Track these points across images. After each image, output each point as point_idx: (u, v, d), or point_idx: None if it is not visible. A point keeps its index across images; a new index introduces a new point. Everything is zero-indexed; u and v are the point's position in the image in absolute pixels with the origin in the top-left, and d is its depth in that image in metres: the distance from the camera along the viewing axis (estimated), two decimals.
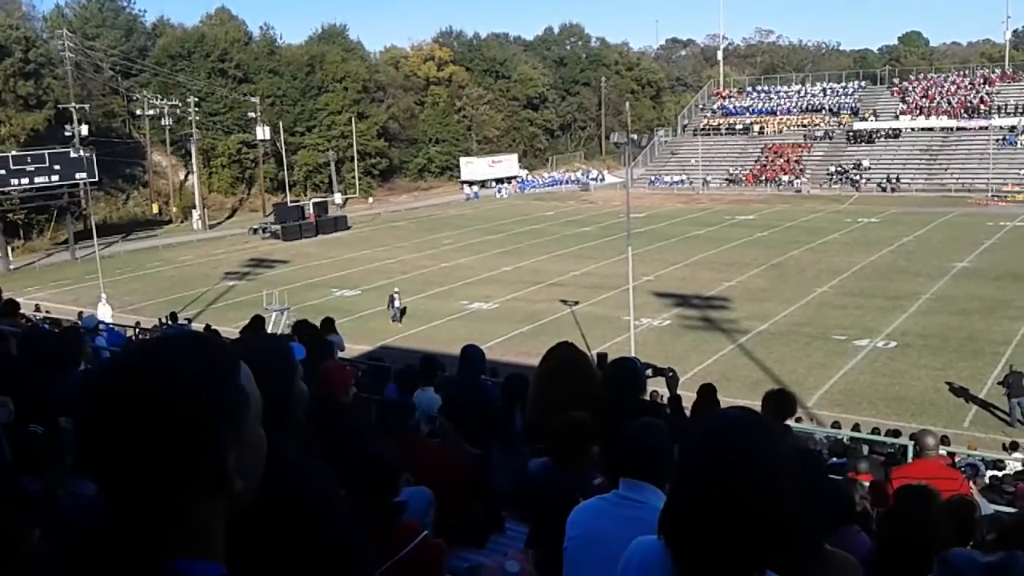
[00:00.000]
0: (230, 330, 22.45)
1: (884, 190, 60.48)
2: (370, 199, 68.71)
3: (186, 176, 63.66)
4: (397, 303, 28.23)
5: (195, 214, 58.16)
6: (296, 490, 1.89)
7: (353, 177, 68.48)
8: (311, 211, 53.50)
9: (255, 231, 52.53)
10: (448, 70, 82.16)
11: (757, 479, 1.57)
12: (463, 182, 75.38)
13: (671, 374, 6.24)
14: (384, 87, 76.70)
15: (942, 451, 8.04)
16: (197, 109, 60.02)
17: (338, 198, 64.68)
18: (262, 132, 61.75)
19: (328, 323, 13.51)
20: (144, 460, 1.10)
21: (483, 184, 74.56)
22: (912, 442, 13.06)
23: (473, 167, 76.29)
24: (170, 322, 22.95)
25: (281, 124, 63.75)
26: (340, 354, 13.09)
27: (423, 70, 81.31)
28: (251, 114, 62.46)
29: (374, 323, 27.84)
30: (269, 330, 19.64)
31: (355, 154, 67.82)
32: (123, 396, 1.12)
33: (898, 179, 61.68)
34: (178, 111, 59.18)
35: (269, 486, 1.84)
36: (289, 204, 56.42)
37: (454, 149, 79.89)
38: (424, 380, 7.56)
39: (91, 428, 1.13)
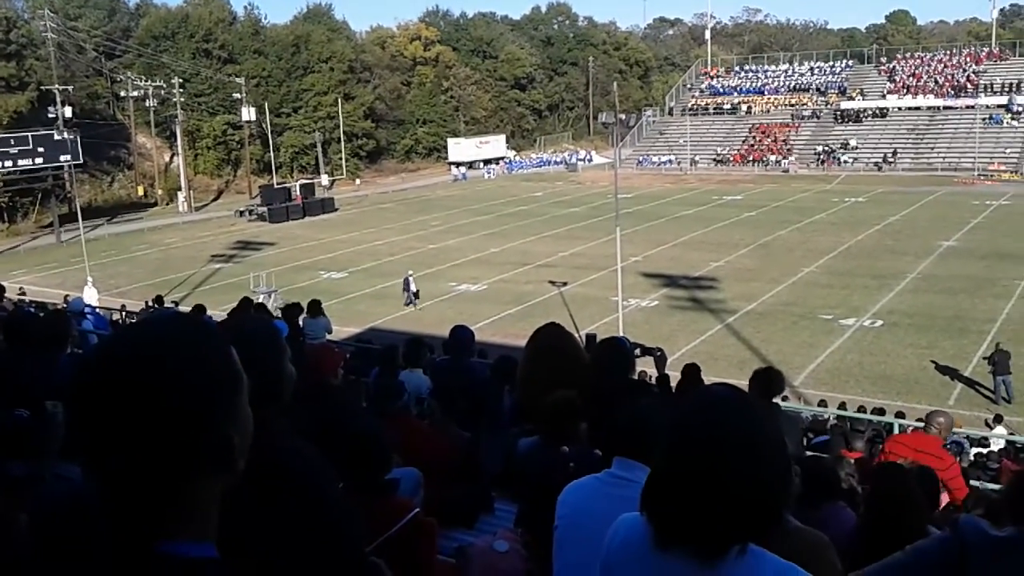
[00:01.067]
0: (218, 313, 22.43)
1: (880, 168, 60.60)
2: (357, 181, 68.44)
3: (171, 158, 63.20)
4: (412, 287, 27.78)
5: (181, 196, 57.77)
6: (284, 470, 1.88)
7: (340, 158, 68.20)
8: (298, 193, 53.25)
9: (241, 213, 52.27)
10: (435, 50, 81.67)
11: (740, 455, 1.59)
12: (451, 163, 75.15)
13: (659, 354, 6.25)
14: (370, 67, 76.21)
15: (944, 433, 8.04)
16: (182, 90, 59.55)
17: (325, 180, 64.35)
18: (247, 113, 61.29)
19: (315, 305, 13.49)
20: (146, 444, 1.09)
21: (471, 165, 74.36)
22: (901, 420, 13.23)
23: (461, 148, 76.03)
24: (156, 305, 22.84)
25: (267, 105, 63.30)
26: (328, 336, 13.09)
27: (410, 50, 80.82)
28: (236, 95, 61.96)
29: (362, 305, 27.81)
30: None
31: (342, 135, 67.51)
32: (122, 381, 1.10)
33: (895, 153, 61.82)
34: (163, 92, 58.67)
35: (259, 466, 1.86)
36: (275, 186, 56.15)
37: (441, 130, 79.57)
38: (411, 362, 7.55)
39: (87, 413, 1.11)
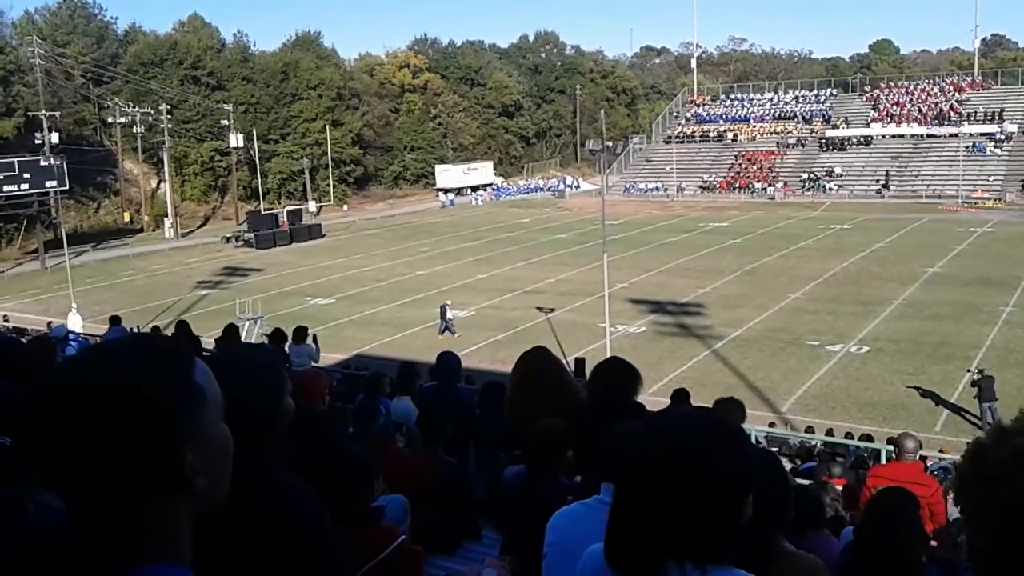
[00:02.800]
0: (203, 340, 22.29)
1: (880, 194, 61.09)
2: (345, 207, 68.47)
3: (158, 184, 63.08)
4: (449, 314, 27.12)
5: (167, 222, 57.60)
6: (277, 506, 1.90)
7: (327, 185, 68.24)
8: (285, 219, 53.22)
9: (228, 239, 52.18)
10: (423, 77, 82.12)
11: (687, 481, 1.57)
12: (438, 190, 75.32)
13: None
14: (359, 94, 76.51)
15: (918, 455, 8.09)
16: (169, 117, 59.54)
17: (312, 206, 64.36)
18: (235, 140, 61.32)
19: (300, 332, 13.42)
20: (94, 466, 1.08)
21: (459, 192, 74.54)
22: (888, 447, 13.23)
23: (448, 174, 76.24)
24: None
25: (255, 132, 63.35)
26: (314, 364, 13.02)
27: (398, 77, 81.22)
28: (224, 121, 62.02)
29: (349, 331, 27.71)
30: (243, 339, 19.47)
31: (329, 162, 67.61)
32: (63, 404, 1.10)
33: (888, 178, 62.36)
34: (150, 119, 58.64)
35: (252, 498, 1.84)
36: (263, 212, 56.10)
37: (429, 156, 79.83)
38: (402, 389, 7.52)
39: (37, 438, 1.11)
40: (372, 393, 7.27)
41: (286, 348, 12.57)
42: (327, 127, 68.00)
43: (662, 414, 1.73)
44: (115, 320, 17.63)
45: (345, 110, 73.07)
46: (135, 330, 22.91)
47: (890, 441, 14.15)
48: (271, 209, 58.72)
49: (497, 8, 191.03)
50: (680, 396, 9.19)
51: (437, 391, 7.28)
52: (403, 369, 7.81)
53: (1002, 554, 1.44)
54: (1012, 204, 54.62)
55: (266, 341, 13.70)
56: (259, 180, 63.16)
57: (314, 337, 15.01)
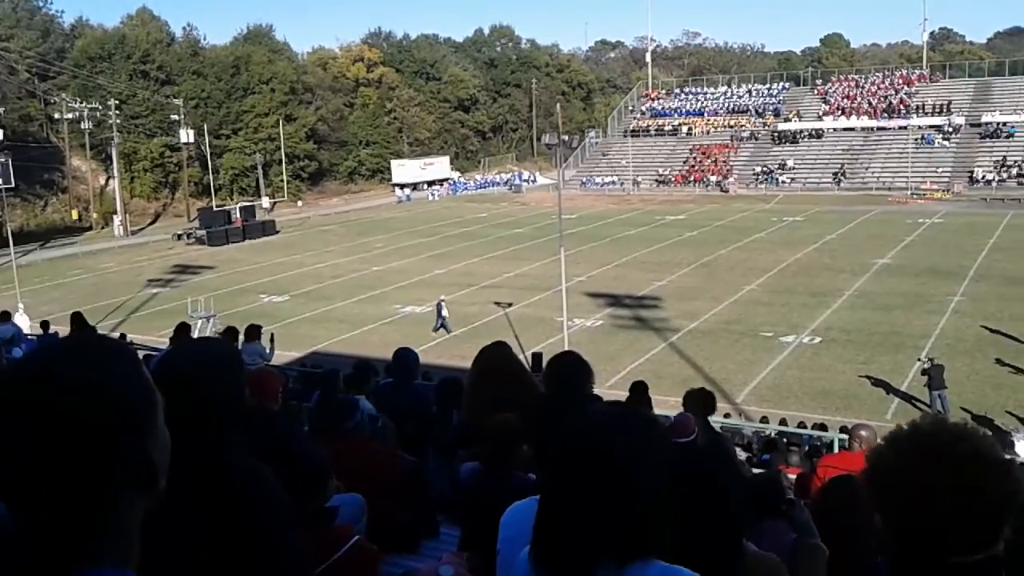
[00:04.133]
0: (153, 339, 21.93)
1: (837, 182, 62.08)
2: (299, 203, 67.81)
3: (107, 181, 61.84)
4: (444, 312, 26.53)
5: (116, 220, 56.48)
6: (249, 493, 1.91)
7: (281, 180, 67.48)
8: (238, 215, 52.59)
9: (179, 237, 51.47)
10: (378, 71, 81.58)
11: (607, 475, 1.57)
12: (394, 184, 74.89)
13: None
14: (312, 89, 75.77)
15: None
16: (118, 112, 58.30)
17: (266, 202, 63.63)
18: (186, 135, 60.28)
19: (252, 330, 13.21)
20: (60, 464, 1.07)
21: (415, 187, 74.20)
22: (841, 435, 13.44)
23: (405, 169, 75.86)
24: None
25: (206, 127, 62.39)
26: (265, 363, 12.84)
27: (352, 71, 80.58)
28: (174, 117, 60.98)
29: (303, 328, 27.44)
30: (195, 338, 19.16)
31: (283, 157, 66.85)
32: (25, 404, 1.08)
33: (843, 171, 63.42)
34: (98, 114, 57.41)
35: (225, 488, 1.83)
36: (215, 209, 55.24)
37: (385, 151, 79.36)
38: (356, 387, 7.42)
39: None
40: (329, 390, 7.18)
41: (238, 346, 12.37)
42: (280, 122, 67.24)
43: (582, 411, 1.73)
44: (45, 325, 16.98)
45: (298, 104, 72.34)
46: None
47: (843, 430, 14.42)
48: (223, 205, 57.91)
49: (452, 2, 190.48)
50: (638, 388, 9.21)
51: (393, 388, 7.20)
52: (358, 367, 7.72)
53: (894, 530, 1.49)
54: (960, 195, 55.83)
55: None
56: (211, 176, 62.19)
57: (271, 336, 14.82)
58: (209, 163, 62.34)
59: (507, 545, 2.82)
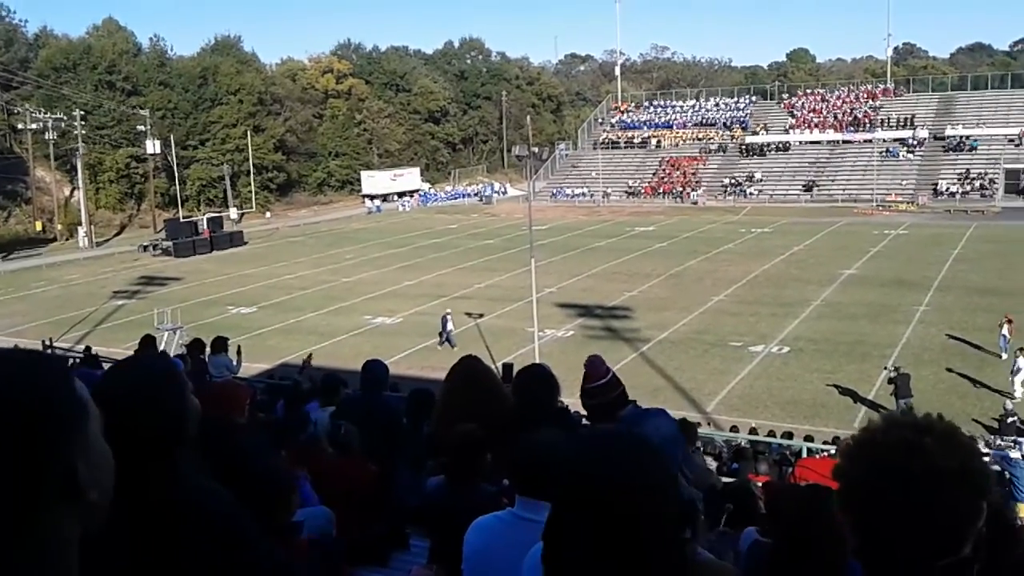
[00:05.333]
0: (119, 351, 21.58)
1: (810, 192, 62.87)
2: (267, 214, 67.33)
3: (72, 192, 60.96)
4: (450, 326, 25.94)
5: (81, 231, 55.66)
6: (199, 509, 1.85)
7: (249, 191, 66.96)
8: (205, 226, 52.07)
9: (145, 248, 50.91)
10: (347, 83, 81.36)
11: (634, 494, 1.57)
12: (364, 196, 74.66)
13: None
14: (281, 100, 75.38)
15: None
16: (83, 123, 57.58)
17: (233, 213, 63.12)
18: (152, 146, 59.75)
19: (219, 342, 13.04)
20: None
21: (385, 198, 74.02)
22: (808, 444, 13.54)
23: (374, 181, 75.65)
24: (52, 345, 21.88)
25: (172, 137, 61.83)
26: (232, 375, 12.68)
27: (321, 83, 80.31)
28: (141, 127, 60.43)
29: (272, 340, 27.16)
30: (162, 350, 18.92)
31: (251, 168, 66.36)
32: None
33: (815, 183, 64.14)
34: (63, 125, 56.62)
35: (171, 506, 1.78)
36: (181, 220, 54.65)
37: (355, 163, 79.10)
38: (327, 401, 7.33)
39: None
40: (295, 402, 7.09)
41: (205, 358, 12.21)
42: (248, 133, 66.76)
43: (588, 432, 1.75)
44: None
45: (267, 115, 71.94)
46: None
47: (808, 439, 14.54)
48: (190, 216, 57.32)
49: (422, 14, 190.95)
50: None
51: (363, 400, 7.11)
52: (327, 380, 7.63)
53: (864, 535, 1.49)
54: (924, 207, 56.74)
55: (185, 352, 13.27)
56: (177, 187, 61.56)
57: (237, 348, 14.64)
58: (176, 174, 61.69)
59: (470, 563, 2.78)
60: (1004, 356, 22.16)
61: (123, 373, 2.09)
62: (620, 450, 1.66)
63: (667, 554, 1.62)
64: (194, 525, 1.78)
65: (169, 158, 61.40)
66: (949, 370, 21.63)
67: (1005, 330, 22.38)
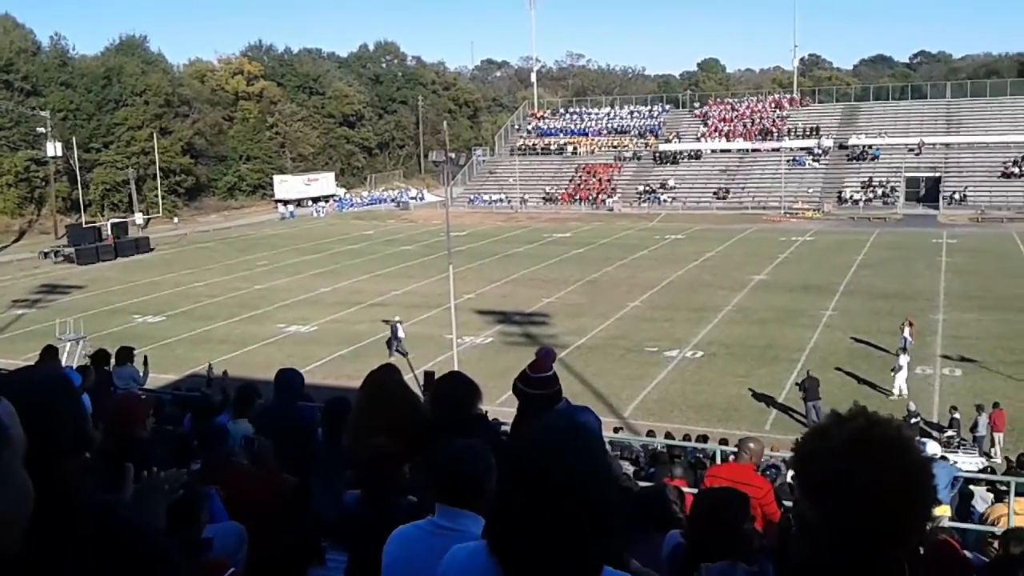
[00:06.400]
0: (19, 363, 20.58)
1: (723, 198, 64.17)
2: (175, 219, 65.42)
3: None
4: (400, 334, 25.18)
5: None
6: (95, 525, 1.75)
7: (156, 196, 64.95)
8: (109, 232, 50.49)
9: (46, 255, 49.00)
10: (258, 85, 79.78)
11: (580, 485, 1.63)
12: (277, 201, 73.27)
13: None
14: (189, 101, 73.39)
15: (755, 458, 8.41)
16: None
17: (139, 218, 61.19)
18: (53, 148, 57.38)
19: (124, 352, 12.52)
20: None
21: (299, 203, 72.81)
22: (720, 447, 13.74)
23: (288, 185, 74.38)
24: None
25: (75, 140, 59.58)
26: (139, 386, 12.21)
27: (231, 84, 78.55)
28: (41, 129, 57.96)
29: (181, 350, 26.34)
30: (63, 361, 18.12)
31: (158, 171, 64.41)
32: None
33: (727, 190, 65.60)
34: None
35: (65, 522, 1.69)
36: (84, 225, 52.76)
37: (267, 167, 77.64)
38: (240, 412, 7.09)
39: None
40: (203, 415, 6.84)
41: (109, 370, 11.71)
42: (155, 135, 64.87)
43: (534, 424, 1.76)
44: None
45: (174, 117, 70.01)
46: None
47: (722, 442, 14.78)
48: (93, 222, 55.44)
49: (335, 16, 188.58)
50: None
51: (275, 409, 6.90)
52: (241, 391, 7.38)
53: (834, 525, 1.53)
54: (829, 214, 58.75)
55: (88, 363, 12.70)
56: (80, 191, 59.29)
57: (144, 359, 14.09)
58: (78, 178, 59.45)
59: (391, 571, 2.72)
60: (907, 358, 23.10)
61: (10, 383, 1.94)
62: (567, 441, 1.69)
63: (605, 540, 1.66)
64: (86, 541, 1.68)
65: (71, 161, 59.13)
66: (849, 374, 22.26)
67: (907, 332, 23.30)
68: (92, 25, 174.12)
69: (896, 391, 20.78)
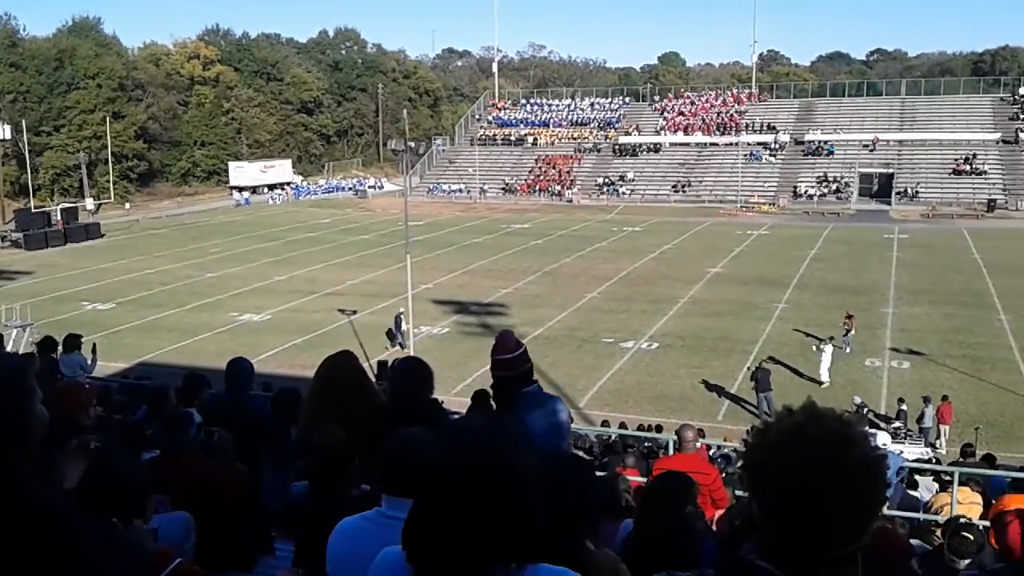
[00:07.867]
0: None
1: (682, 191, 64.57)
2: (127, 205, 64.20)
3: None
4: (404, 326, 24.73)
5: None
6: (36, 518, 1.72)
7: (107, 181, 63.62)
8: (59, 217, 49.37)
9: None
10: (215, 70, 78.46)
11: (491, 484, 1.62)
12: (232, 187, 72.23)
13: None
14: (143, 85, 71.97)
15: (699, 444, 8.56)
16: None
17: (90, 203, 59.96)
18: (2, 131, 56.05)
19: (72, 340, 12.27)
20: None
21: (254, 190, 71.84)
22: (673, 436, 13.85)
23: (243, 172, 73.34)
24: None
25: (24, 123, 58.09)
26: (87, 375, 11.99)
27: (187, 69, 77.16)
28: None
29: (131, 338, 25.91)
30: (9, 348, 17.71)
31: (110, 156, 63.03)
32: None
33: (688, 183, 66.06)
34: None
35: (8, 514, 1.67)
36: (33, 210, 51.50)
37: (222, 152, 76.47)
38: (187, 400, 6.98)
39: None
40: (158, 405, 6.72)
41: (56, 357, 11.47)
42: (107, 119, 63.46)
43: (451, 424, 1.80)
44: None
45: (128, 101, 68.61)
46: None
47: (676, 433, 14.92)
48: (43, 207, 54.18)
49: (295, 1, 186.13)
50: (481, 397, 9.14)
51: (227, 400, 6.81)
52: (189, 379, 7.27)
53: (775, 522, 1.53)
54: (784, 209, 59.48)
55: (35, 350, 12.43)
56: (29, 175, 57.79)
57: (93, 346, 13.83)
58: (27, 161, 57.96)
59: (334, 566, 2.70)
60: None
61: None
62: (478, 440, 1.68)
63: (533, 537, 1.65)
64: (33, 534, 1.67)
65: (20, 144, 57.68)
66: (793, 370, 22.54)
67: (847, 326, 23.94)
68: (44, 6, 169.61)
69: (824, 377, 21.41)
